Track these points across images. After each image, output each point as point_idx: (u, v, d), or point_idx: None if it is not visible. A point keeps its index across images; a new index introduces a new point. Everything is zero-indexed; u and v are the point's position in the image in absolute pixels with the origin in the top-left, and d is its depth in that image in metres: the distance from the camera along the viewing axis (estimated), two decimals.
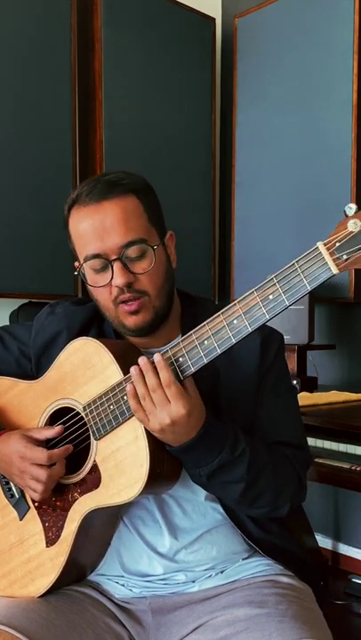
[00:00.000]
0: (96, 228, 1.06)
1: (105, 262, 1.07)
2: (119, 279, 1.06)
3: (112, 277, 1.06)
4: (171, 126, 2.87)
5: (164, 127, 2.84)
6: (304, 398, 2.10)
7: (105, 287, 1.09)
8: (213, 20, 3.04)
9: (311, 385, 2.41)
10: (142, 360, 1.00)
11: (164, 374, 0.97)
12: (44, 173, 2.44)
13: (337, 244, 0.85)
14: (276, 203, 2.80)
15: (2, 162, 2.33)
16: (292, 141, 2.72)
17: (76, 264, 1.15)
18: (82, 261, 1.10)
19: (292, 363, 2.40)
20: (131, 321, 1.09)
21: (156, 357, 0.99)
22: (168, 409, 0.96)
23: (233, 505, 1.12)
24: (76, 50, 2.53)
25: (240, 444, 1.03)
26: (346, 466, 1.79)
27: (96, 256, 1.07)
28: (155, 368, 0.99)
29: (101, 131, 2.59)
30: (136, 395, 1.00)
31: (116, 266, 1.06)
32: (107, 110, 2.61)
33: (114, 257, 1.06)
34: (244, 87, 2.93)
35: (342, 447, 1.85)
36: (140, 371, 1.00)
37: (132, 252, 1.06)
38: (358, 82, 2.45)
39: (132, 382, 1.01)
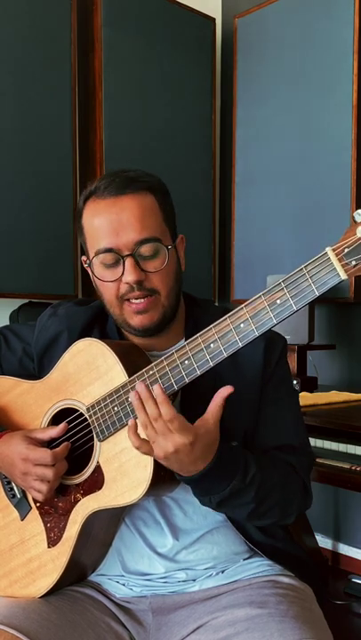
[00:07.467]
0: (112, 222, 1.05)
1: (117, 257, 1.06)
2: (130, 276, 1.04)
3: (123, 274, 1.06)
4: (171, 126, 2.87)
5: (164, 127, 2.84)
6: (304, 398, 2.10)
7: (113, 282, 1.07)
8: (213, 20, 3.04)
9: (311, 385, 2.40)
10: (140, 386, 0.96)
11: (165, 409, 0.93)
12: (43, 173, 2.44)
13: (346, 250, 0.85)
14: (276, 203, 2.80)
15: (2, 162, 2.33)
16: (292, 141, 2.72)
17: (83, 258, 1.14)
18: (92, 255, 1.09)
19: (292, 363, 2.40)
20: (137, 320, 1.08)
21: (156, 390, 0.94)
22: (172, 438, 0.93)
23: (241, 520, 1.12)
24: (76, 50, 2.53)
25: (251, 469, 1.00)
26: (346, 466, 1.79)
27: (109, 250, 1.06)
28: (153, 396, 0.94)
29: (101, 131, 2.60)
30: (137, 430, 0.97)
31: (128, 262, 1.05)
32: (107, 110, 2.61)
33: (127, 253, 1.05)
34: (244, 87, 2.93)
35: (342, 447, 1.85)
36: (140, 397, 0.96)
37: (146, 249, 1.06)
38: (358, 82, 2.46)
39: (132, 418, 0.99)
